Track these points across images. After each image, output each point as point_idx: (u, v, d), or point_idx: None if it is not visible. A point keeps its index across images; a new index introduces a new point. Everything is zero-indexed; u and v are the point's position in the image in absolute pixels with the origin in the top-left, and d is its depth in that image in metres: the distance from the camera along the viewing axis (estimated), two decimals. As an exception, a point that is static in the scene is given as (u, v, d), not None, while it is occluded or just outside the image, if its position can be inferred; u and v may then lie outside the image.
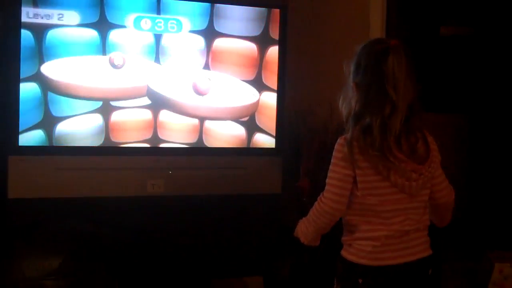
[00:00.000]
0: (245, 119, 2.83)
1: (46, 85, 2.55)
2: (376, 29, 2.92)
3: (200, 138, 2.79)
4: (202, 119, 2.77)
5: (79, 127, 2.61)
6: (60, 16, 2.53)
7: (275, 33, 2.81)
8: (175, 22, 2.69)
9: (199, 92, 2.75)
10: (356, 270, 1.70)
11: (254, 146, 2.86)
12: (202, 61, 2.74)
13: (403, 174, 1.63)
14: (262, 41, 2.81)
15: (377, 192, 1.66)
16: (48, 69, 2.54)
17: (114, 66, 2.63)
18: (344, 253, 1.75)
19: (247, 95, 2.82)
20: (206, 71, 2.75)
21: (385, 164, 1.63)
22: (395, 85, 1.61)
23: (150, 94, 2.69)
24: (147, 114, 2.70)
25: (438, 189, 1.75)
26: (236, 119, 2.82)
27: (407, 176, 1.64)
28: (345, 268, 1.73)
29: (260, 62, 2.81)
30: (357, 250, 1.70)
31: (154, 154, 2.72)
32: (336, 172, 1.68)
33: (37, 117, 2.55)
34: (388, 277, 1.69)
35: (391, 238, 1.68)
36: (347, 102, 1.72)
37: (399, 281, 1.70)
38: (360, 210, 1.69)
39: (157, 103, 2.71)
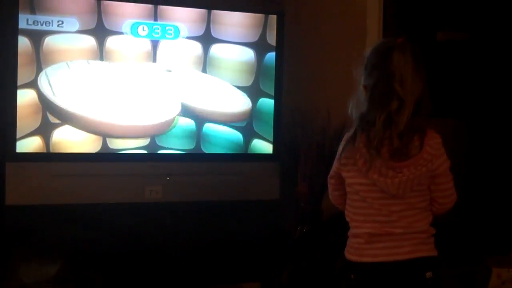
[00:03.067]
0: (243, 124, 2.83)
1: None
2: (373, 35, 2.92)
3: (198, 144, 2.79)
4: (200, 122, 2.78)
5: (76, 134, 2.61)
6: (60, 23, 2.54)
7: (272, 39, 2.82)
8: (172, 28, 2.70)
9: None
10: (349, 266, 1.74)
11: (252, 152, 2.86)
12: (199, 67, 2.75)
13: (379, 170, 1.64)
14: (260, 47, 2.81)
15: (359, 189, 1.69)
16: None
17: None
18: (345, 249, 1.79)
19: (239, 102, 2.82)
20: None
21: (367, 158, 1.63)
22: (402, 81, 1.61)
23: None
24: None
25: (440, 196, 1.73)
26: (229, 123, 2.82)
27: (383, 173, 1.64)
28: (343, 264, 1.77)
29: (257, 68, 2.82)
30: (348, 247, 1.75)
31: (152, 160, 2.72)
32: (332, 169, 1.78)
33: (35, 124, 2.55)
34: (376, 275, 1.69)
35: (376, 236, 1.69)
36: (356, 106, 1.71)
37: (389, 280, 1.69)
38: (349, 206, 1.74)
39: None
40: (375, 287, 1.70)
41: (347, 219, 1.76)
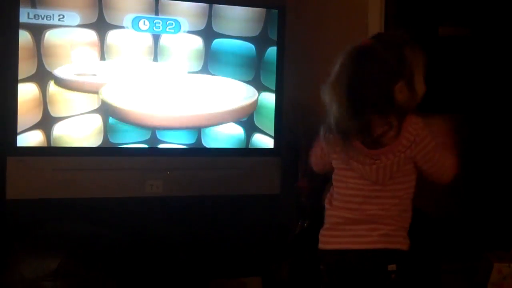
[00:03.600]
0: (244, 119, 2.83)
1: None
2: (375, 30, 2.90)
3: (199, 139, 2.79)
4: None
5: (77, 128, 2.61)
6: (61, 17, 2.54)
7: (273, 34, 2.82)
8: (173, 22, 2.69)
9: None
10: (320, 257, 1.75)
11: (253, 147, 2.86)
12: (200, 61, 2.74)
13: (358, 158, 1.65)
14: (261, 41, 2.81)
15: (342, 174, 1.72)
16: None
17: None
18: None
19: (246, 95, 2.82)
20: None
21: (347, 153, 1.66)
22: (356, 89, 1.65)
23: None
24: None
25: (431, 172, 1.68)
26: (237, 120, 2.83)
27: (361, 161, 1.64)
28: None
29: (258, 62, 2.81)
30: (320, 236, 1.76)
31: (153, 155, 2.72)
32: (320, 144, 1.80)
33: (36, 118, 2.55)
34: (337, 263, 1.69)
35: (341, 224, 1.69)
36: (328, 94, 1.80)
37: (351, 269, 1.68)
38: (334, 192, 1.76)
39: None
40: (339, 276, 1.70)
41: (326, 205, 1.77)
